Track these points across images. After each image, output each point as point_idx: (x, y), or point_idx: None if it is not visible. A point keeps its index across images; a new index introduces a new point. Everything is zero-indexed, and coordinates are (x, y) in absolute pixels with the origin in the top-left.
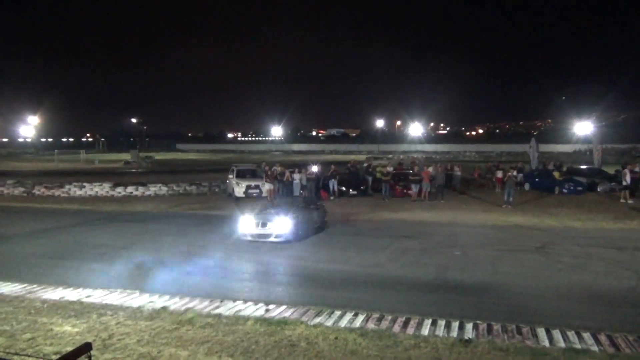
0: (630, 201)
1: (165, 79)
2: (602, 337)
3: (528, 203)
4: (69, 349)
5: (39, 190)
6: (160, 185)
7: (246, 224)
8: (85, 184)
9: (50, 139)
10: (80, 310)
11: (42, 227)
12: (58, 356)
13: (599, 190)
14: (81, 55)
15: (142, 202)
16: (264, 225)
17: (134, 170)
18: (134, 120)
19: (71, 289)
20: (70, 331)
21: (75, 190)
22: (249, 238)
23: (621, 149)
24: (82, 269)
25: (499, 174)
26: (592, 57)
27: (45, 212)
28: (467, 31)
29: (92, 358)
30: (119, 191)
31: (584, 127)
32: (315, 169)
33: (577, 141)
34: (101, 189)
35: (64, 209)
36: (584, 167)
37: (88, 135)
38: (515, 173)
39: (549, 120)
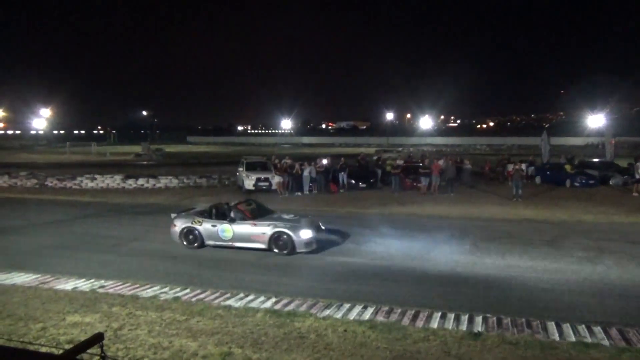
0: None
1: (176, 71)
2: (613, 331)
3: (539, 196)
4: (81, 338)
5: (51, 182)
6: (171, 177)
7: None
8: (96, 176)
9: (62, 132)
10: (92, 300)
11: (54, 218)
12: (70, 345)
13: (611, 183)
14: (93, 48)
15: (153, 194)
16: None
17: (145, 162)
18: (145, 113)
19: (83, 279)
20: (82, 321)
21: (87, 182)
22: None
23: (635, 142)
24: (94, 260)
25: (510, 168)
26: (605, 48)
27: (57, 203)
28: (479, 23)
29: (104, 348)
30: (130, 183)
31: (596, 120)
32: (325, 161)
33: (589, 134)
34: (112, 181)
35: (75, 201)
36: (596, 160)
37: (99, 127)
38: (522, 166)
39: (561, 113)
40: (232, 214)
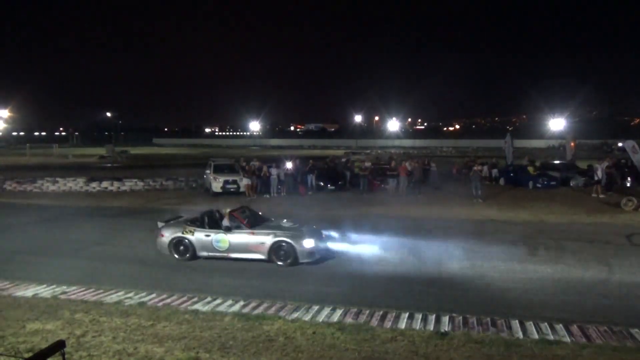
0: (601, 195)
1: (141, 72)
2: (574, 328)
3: (503, 197)
4: (42, 346)
5: (10, 186)
6: (136, 180)
7: None
8: (58, 179)
9: (22, 133)
10: (54, 307)
11: (13, 222)
12: (30, 354)
13: (571, 184)
14: (55, 47)
15: (117, 197)
16: None
17: (109, 165)
18: (109, 114)
19: (44, 285)
20: (43, 329)
21: (48, 186)
22: None
23: (593, 144)
24: (56, 265)
25: None
26: (567, 54)
27: (16, 207)
28: (444, 28)
29: (66, 356)
30: (94, 186)
31: (557, 123)
32: (289, 165)
33: (551, 136)
34: (75, 184)
35: (36, 205)
36: (557, 162)
37: (61, 129)
38: (481, 168)
39: (524, 116)
40: (227, 223)
